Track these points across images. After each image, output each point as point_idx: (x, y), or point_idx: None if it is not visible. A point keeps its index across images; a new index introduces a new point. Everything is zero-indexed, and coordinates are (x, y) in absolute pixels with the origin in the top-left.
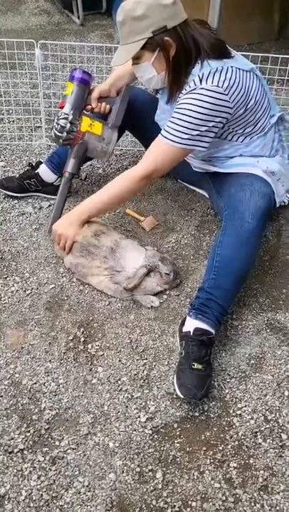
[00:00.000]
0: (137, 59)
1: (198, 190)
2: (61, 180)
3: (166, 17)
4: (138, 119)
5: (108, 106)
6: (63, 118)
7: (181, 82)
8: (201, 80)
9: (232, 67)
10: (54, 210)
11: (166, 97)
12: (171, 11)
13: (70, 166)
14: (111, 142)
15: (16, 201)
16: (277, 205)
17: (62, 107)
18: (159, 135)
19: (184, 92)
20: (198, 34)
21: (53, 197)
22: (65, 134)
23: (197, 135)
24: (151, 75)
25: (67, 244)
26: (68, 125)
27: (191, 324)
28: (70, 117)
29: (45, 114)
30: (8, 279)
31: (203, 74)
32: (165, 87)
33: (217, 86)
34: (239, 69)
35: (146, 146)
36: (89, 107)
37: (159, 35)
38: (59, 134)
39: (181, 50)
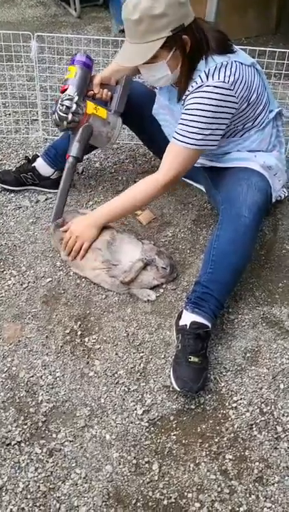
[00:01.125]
0: (152, 58)
1: (195, 184)
2: (64, 169)
3: (183, 15)
4: (136, 112)
5: (109, 93)
6: (68, 99)
7: (190, 78)
8: (207, 76)
9: (235, 61)
10: (57, 198)
11: (166, 93)
12: (186, 9)
13: (74, 149)
14: (116, 127)
15: (12, 195)
16: (274, 200)
17: (64, 91)
18: (173, 139)
19: (190, 88)
20: (206, 30)
21: (49, 190)
22: (70, 115)
23: (209, 134)
24: (164, 74)
25: (84, 247)
26: (74, 106)
27: (188, 318)
28: (75, 98)
29: (41, 107)
30: (4, 272)
31: (209, 70)
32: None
33: (223, 82)
34: (241, 63)
35: (144, 139)
36: (91, 92)
37: (178, 34)
38: (63, 115)
39: (194, 48)
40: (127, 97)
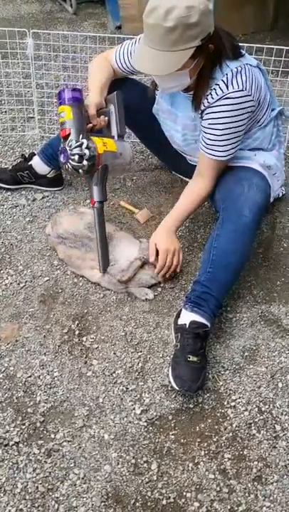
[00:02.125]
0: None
1: None
2: (94, 212)
3: (211, 23)
4: (133, 112)
5: (106, 118)
6: (77, 146)
7: (207, 86)
8: (227, 85)
9: (247, 64)
10: (99, 249)
11: (167, 97)
12: (212, 17)
13: (96, 194)
14: (128, 155)
15: (9, 193)
16: (271, 200)
17: (65, 136)
18: (207, 154)
19: (209, 99)
20: (222, 35)
21: (46, 189)
22: (85, 162)
23: (237, 141)
24: (183, 82)
25: (181, 258)
26: (86, 151)
27: (187, 317)
28: (85, 143)
29: (38, 104)
30: (1, 272)
31: (227, 77)
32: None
33: (243, 90)
34: (251, 65)
35: (141, 137)
36: (89, 125)
37: (206, 43)
38: (79, 165)
39: (215, 55)
40: (128, 98)
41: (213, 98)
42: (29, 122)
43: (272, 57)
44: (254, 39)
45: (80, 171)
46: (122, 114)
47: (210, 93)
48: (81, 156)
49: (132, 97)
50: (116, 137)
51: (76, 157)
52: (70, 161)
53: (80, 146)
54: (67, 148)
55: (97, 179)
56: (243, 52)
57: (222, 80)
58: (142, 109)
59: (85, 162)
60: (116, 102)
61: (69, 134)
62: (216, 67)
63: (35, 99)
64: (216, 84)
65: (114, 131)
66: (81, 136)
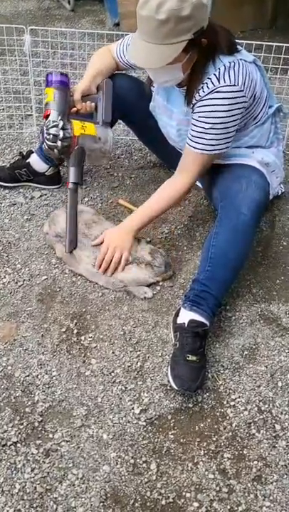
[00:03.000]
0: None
1: None
2: (67, 192)
3: (204, 17)
4: (131, 109)
5: (93, 104)
6: (53, 126)
7: (199, 81)
8: (218, 79)
9: (241, 60)
10: (68, 227)
11: (164, 93)
12: (207, 11)
13: (71, 175)
14: (108, 140)
15: (6, 191)
16: (271, 197)
17: (46, 116)
18: (190, 147)
19: (201, 92)
20: (218, 30)
21: (44, 187)
22: (59, 142)
23: (225, 137)
24: (176, 76)
25: (124, 258)
26: (61, 132)
27: (186, 316)
28: (60, 124)
29: (35, 102)
30: None
31: (219, 72)
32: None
33: (234, 85)
34: (245, 61)
35: (140, 135)
36: (74, 109)
37: (199, 37)
38: (53, 144)
39: (208, 49)
40: (121, 96)
41: (204, 91)
42: (27, 120)
43: (272, 55)
44: (253, 37)
45: (55, 150)
46: (109, 101)
47: (202, 87)
48: (56, 136)
49: (130, 95)
50: (100, 123)
51: (51, 137)
52: (46, 140)
53: (56, 126)
54: (45, 128)
55: (74, 161)
56: (240, 48)
57: (214, 74)
58: (139, 107)
59: (59, 142)
60: (104, 89)
61: (49, 115)
62: (209, 62)
63: (33, 96)
64: (208, 79)
65: (98, 117)
66: (59, 117)
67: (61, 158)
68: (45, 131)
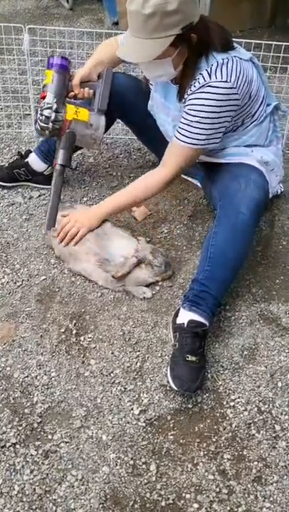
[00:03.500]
0: (159, 55)
1: (190, 179)
2: (53, 173)
3: (193, 13)
4: (130, 108)
5: (91, 91)
6: (47, 108)
7: (192, 76)
8: (210, 75)
9: (235, 57)
10: (49, 206)
11: (161, 90)
12: (196, 6)
13: (60, 157)
14: (99, 128)
15: (5, 191)
16: (270, 196)
17: (43, 97)
18: (175, 139)
19: (192, 88)
20: (211, 27)
21: (43, 186)
22: (50, 124)
23: (212, 133)
24: (167, 71)
25: (80, 233)
26: (53, 115)
27: (185, 316)
28: (54, 106)
29: (34, 101)
30: None
31: (211, 68)
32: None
33: (226, 81)
34: (241, 59)
35: (139, 134)
36: (72, 93)
37: (187, 32)
38: (44, 125)
39: (200, 45)
40: (120, 94)
41: (195, 87)
42: (25, 119)
43: (271, 53)
44: (252, 35)
45: (47, 131)
46: (107, 89)
47: (193, 83)
48: (48, 118)
49: (128, 93)
50: (96, 110)
51: (43, 118)
52: (39, 120)
53: (50, 108)
54: (39, 109)
55: (64, 144)
56: (236, 45)
57: (206, 70)
58: (137, 106)
59: (50, 124)
60: (104, 77)
61: (46, 97)
62: (201, 58)
63: (32, 95)
64: (200, 74)
65: (94, 104)
66: (55, 100)
67: (51, 138)
68: (39, 111)
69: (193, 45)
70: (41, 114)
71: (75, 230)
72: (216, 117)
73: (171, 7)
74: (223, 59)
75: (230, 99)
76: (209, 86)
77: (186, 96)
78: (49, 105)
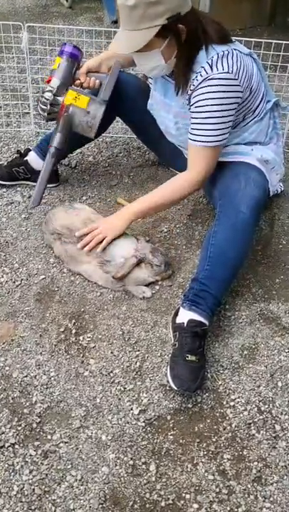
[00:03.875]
0: (146, 46)
1: None
2: (57, 163)
3: (180, 3)
4: (129, 106)
5: (98, 81)
6: (48, 91)
7: (188, 70)
8: (211, 67)
9: (235, 50)
10: (37, 184)
11: (161, 87)
12: None
13: (55, 140)
14: (96, 116)
15: (4, 190)
16: (271, 194)
17: (49, 81)
18: (191, 141)
19: (194, 82)
20: (204, 20)
21: None
22: (48, 106)
23: (225, 127)
24: (157, 63)
25: (107, 240)
26: (52, 97)
27: (185, 315)
28: (55, 90)
29: (33, 99)
30: None
31: (212, 60)
32: (160, 77)
33: (228, 72)
34: (240, 52)
35: (137, 133)
36: (78, 81)
37: (173, 22)
38: (43, 107)
39: (190, 37)
40: (121, 91)
41: (198, 80)
42: (24, 118)
43: (271, 52)
44: (252, 34)
45: (45, 113)
46: (112, 81)
47: (195, 77)
48: (46, 99)
49: (128, 89)
50: (97, 100)
51: (43, 99)
52: (39, 102)
53: (50, 91)
54: (41, 91)
55: (60, 127)
56: (234, 40)
57: (207, 62)
58: (137, 104)
59: (48, 106)
60: (112, 69)
61: (51, 81)
62: (199, 51)
63: (31, 94)
64: (201, 67)
65: (99, 94)
66: (58, 84)
67: (51, 120)
68: (41, 93)
69: (185, 37)
70: (42, 96)
71: (101, 236)
72: (224, 109)
73: None
74: (223, 51)
75: (234, 91)
76: (212, 79)
77: (189, 92)
78: (50, 89)
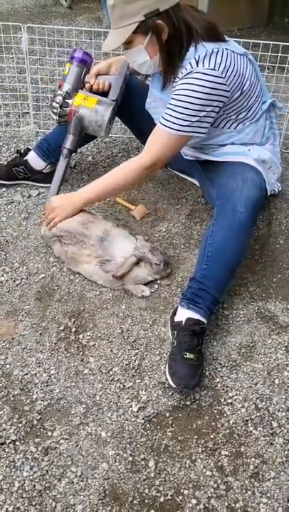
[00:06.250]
0: (128, 43)
1: (188, 178)
2: (57, 162)
3: (158, 0)
4: (129, 105)
5: (107, 82)
6: (58, 95)
7: (175, 66)
8: (197, 63)
9: (226, 49)
10: (52, 185)
11: (158, 84)
12: None
13: (67, 142)
14: (105, 116)
15: (4, 189)
16: (268, 193)
17: (60, 87)
18: (158, 124)
19: (179, 76)
20: (190, 17)
21: (42, 185)
22: (59, 110)
23: (196, 121)
24: (143, 59)
25: (55, 221)
26: (62, 101)
27: (183, 314)
28: (65, 94)
29: (32, 99)
30: None
31: (199, 56)
32: (157, 72)
33: (213, 69)
34: (233, 52)
35: (136, 133)
36: (88, 84)
37: (151, 19)
38: (54, 110)
39: (173, 34)
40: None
41: (182, 73)
42: (24, 118)
43: (269, 53)
44: (249, 34)
45: (56, 116)
46: (119, 81)
47: (181, 71)
48: (57, 103)
49: (128, 89)
50: (108, 100)
51: (54, 103)
52: (51, 106)
53: (61, 95)
54: (53, 95)
55: (71, 129)
56: (228, 38)
57: (194, 58)
58: (136, 103)
59: (58, 110)
60: (119, 70)
61: (61, 86)
62: (185, 48)
63: (30, 94)
64: (189, 63)
65: (109, 95)
66: (68, 89)
67: (63, 123)
68: (52, 98)
69: (168, 34)
70: (52, 100)
71: (51, 217)
72: (200, 104)
73: None
74: (212, 49)
75: (217, 89)
76: (196, 72)
77: (174, 84)
78: (61, 93)
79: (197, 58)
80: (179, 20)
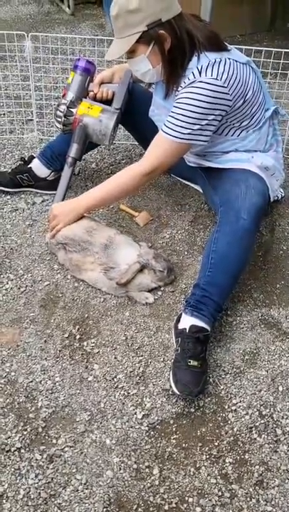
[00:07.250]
0: (131, 52)
1: (192, 185)
2: (61, 170)
3: (160, 10)
4: (132, 112)
5: (111, 91)
6: (62, 104)
7: (177, 75)
8: (200, 72)
9: (229, 58)
10: (57, 193)
11: (161, 92)
12: (165, 4)
13: (72, 150)
14: (109, 125)
15: (8, 197)
16: (272, 200)
17: (64, 96)
18: (160, 131)
19: (182, 85)
20: (192, 27)
21: (46, 192)
22: (63, 119)
23: (198, 129)
24: (146, 68)
25: (58, 228)
26: (66, 110)
27: (187, 321)
28: (69, 103)
29: (36, 107)
30: (1, 276)
31: (202, 66)
32: (160, 81)
33: (216, 79)
34: (236, 61)
35: (139, 140)
36: (92, 93)
37: (154, 29)
38: (58, 119)
39: (176, 44)
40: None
41: (185, 83)
42: (28, 125)
43: (271, 60)
44: (252, 39)
45: (60, 125)
46: (122, 89)
47: (183, 81)
48: (61, 112)
49: (132, 97)
50: (112, 109)
51: (58, 112)
52: (55, 115)
53: (65, 104)
54: (57, 105)
55: (75, 137)
56: (230, 47)
57: (196, 67)
58: (139, 110)
59: (63, 118)
60: (122, 78)
61: (65, 95)
62: (189, 58)
63: (34, 101)
64: (191, 73)
65: (113, 103)
66: (72, 98)
67: (67, 132)
68: (56, 107)
69: (170, 43)
70: (57, 109)
71: (53, 224)
72: (202, 112)
73: (132, 6)
74: (215, 59)
75: (219, 98)
76: (199, 82)
77: (177, 93)
78: (65, 102)
79: (200, 68)
80: (182, 30)
